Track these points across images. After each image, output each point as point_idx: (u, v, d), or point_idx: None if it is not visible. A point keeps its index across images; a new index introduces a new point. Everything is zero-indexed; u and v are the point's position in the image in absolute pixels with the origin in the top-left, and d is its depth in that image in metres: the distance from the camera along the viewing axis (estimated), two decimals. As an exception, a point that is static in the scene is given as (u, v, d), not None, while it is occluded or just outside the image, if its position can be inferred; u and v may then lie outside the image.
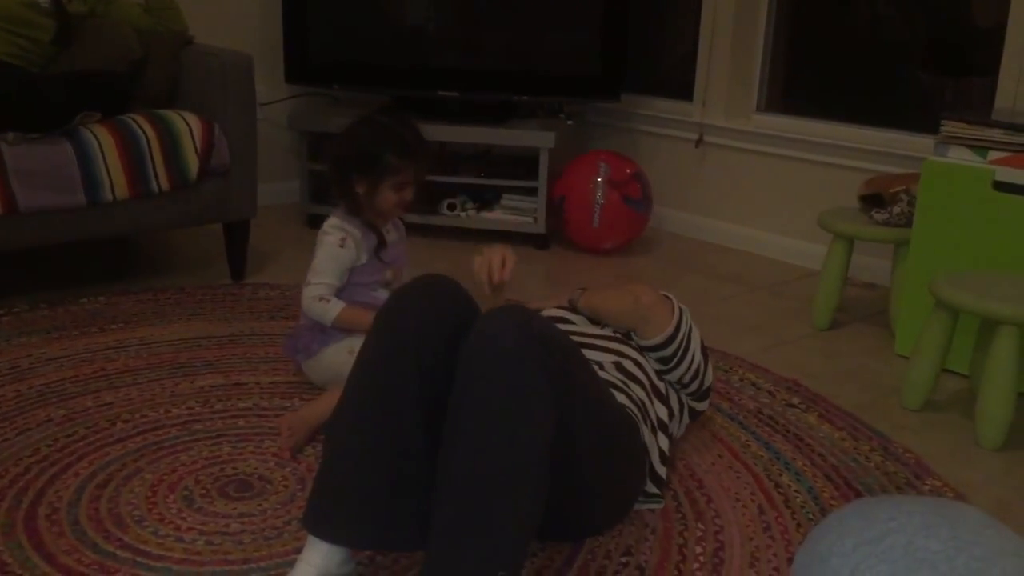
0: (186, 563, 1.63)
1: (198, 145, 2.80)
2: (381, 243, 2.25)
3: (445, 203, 3.66)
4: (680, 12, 4.08)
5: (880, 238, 2.79)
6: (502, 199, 3.68)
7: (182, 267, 3.25)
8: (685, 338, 1.91)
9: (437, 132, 3.48)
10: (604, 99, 3.80)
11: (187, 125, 2.79)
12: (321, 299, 2.18)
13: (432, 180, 3.48)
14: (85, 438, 2.03)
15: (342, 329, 2.19)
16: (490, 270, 1.91)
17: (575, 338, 1.85)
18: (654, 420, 1.84)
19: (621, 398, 1.75)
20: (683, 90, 3.88)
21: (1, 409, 2.14)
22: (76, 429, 2.07)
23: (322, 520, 1.47)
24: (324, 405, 2.04)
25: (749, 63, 3.74)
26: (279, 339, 2.54)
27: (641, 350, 1.93)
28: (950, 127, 2.53)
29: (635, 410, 1.76)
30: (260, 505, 1.82)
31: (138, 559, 1.64)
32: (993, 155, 2.45)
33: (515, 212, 3.67)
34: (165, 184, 2.77)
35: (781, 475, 2.02)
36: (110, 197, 2.68)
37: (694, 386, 1.98)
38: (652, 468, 1.82)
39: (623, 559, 1.69)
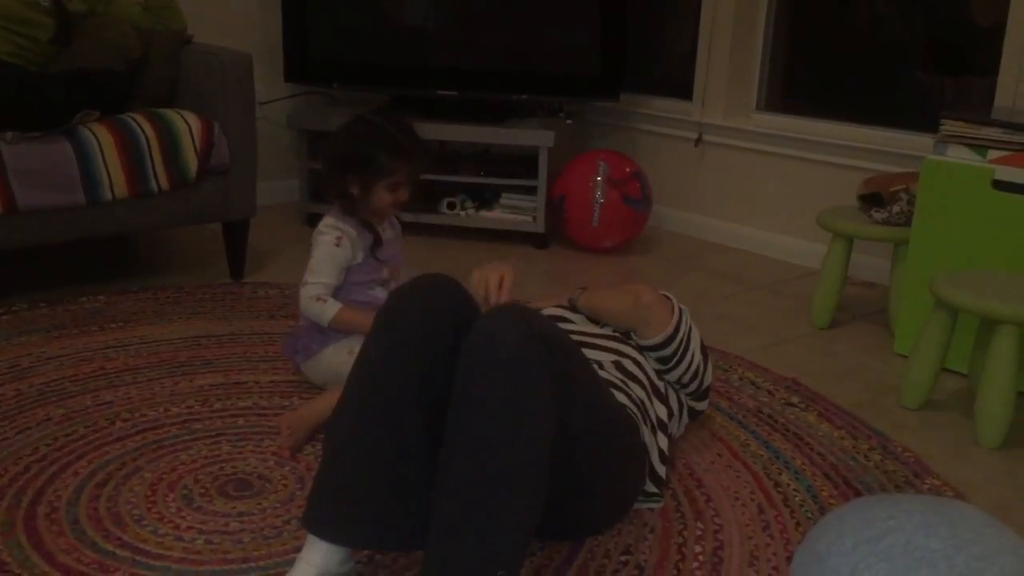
0: (185, 562, 1.63)
1: (197, 144, 2.80)
2: (377, 241, 2.24)
3: (444, 202, 3.66)
4: (679, 11, 4.08)
5: (879, 237, 2.79)
6: (501, 198, 3.69)
7: (181, 266, 3.25)
8: (685, 338, 1.91)
9: (436, 131, 3.49)
10: (603, 98, 3.80)
11: (186, 124, 2.79)
12: (318, 299, 2.18)
13: (432, 179, 3.49)
14: (84, 437, 2.03)
15: (339, 330, 2.19)
16: (487, 289, 1.90)
17: (575, 337, 1.85)
18: (654, 419, 1.84)
19: (621, 397, 1.75)
20: (682, 89, 3.88)
21: (1, 408, 2.14)
22: (75, 428, 2.07)
23: (321, 519, 1.47)
24: (324, 404, 2.04)
25: (748, 62, 3.74)
26: (278, 338, 2.54)
27: (641, 350, 1.93)
28: (949, 126, 2.53)
29: (635, 409, 1.76)
30: (259, 504, 1.82)
31: (137, 558, 1.64)
32: (992, 154, 2.45)
33: (514, 211, 3.67)
34: (164, 183, 2.77)
35: (780, 474, 2.02)
36: (109, 196, 2.68)
37: (693, 386, 1.98)
38: (652, 467, 1.82)
39: (622, 558, 1.69)
